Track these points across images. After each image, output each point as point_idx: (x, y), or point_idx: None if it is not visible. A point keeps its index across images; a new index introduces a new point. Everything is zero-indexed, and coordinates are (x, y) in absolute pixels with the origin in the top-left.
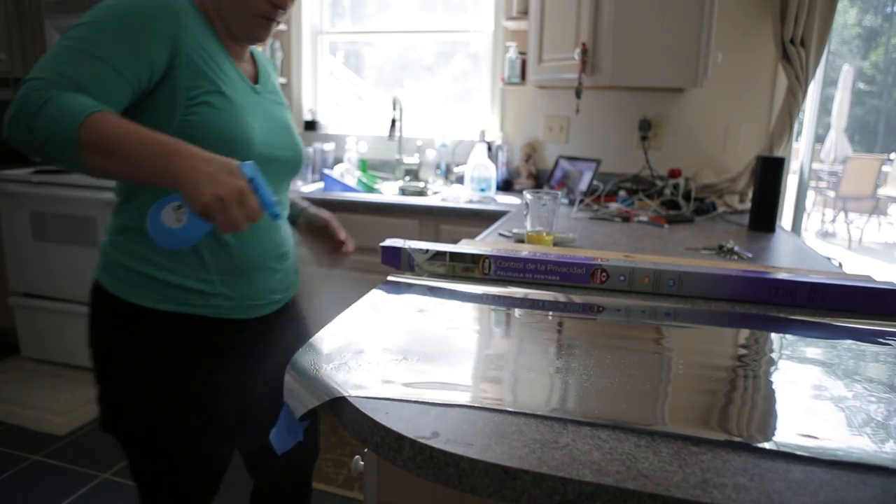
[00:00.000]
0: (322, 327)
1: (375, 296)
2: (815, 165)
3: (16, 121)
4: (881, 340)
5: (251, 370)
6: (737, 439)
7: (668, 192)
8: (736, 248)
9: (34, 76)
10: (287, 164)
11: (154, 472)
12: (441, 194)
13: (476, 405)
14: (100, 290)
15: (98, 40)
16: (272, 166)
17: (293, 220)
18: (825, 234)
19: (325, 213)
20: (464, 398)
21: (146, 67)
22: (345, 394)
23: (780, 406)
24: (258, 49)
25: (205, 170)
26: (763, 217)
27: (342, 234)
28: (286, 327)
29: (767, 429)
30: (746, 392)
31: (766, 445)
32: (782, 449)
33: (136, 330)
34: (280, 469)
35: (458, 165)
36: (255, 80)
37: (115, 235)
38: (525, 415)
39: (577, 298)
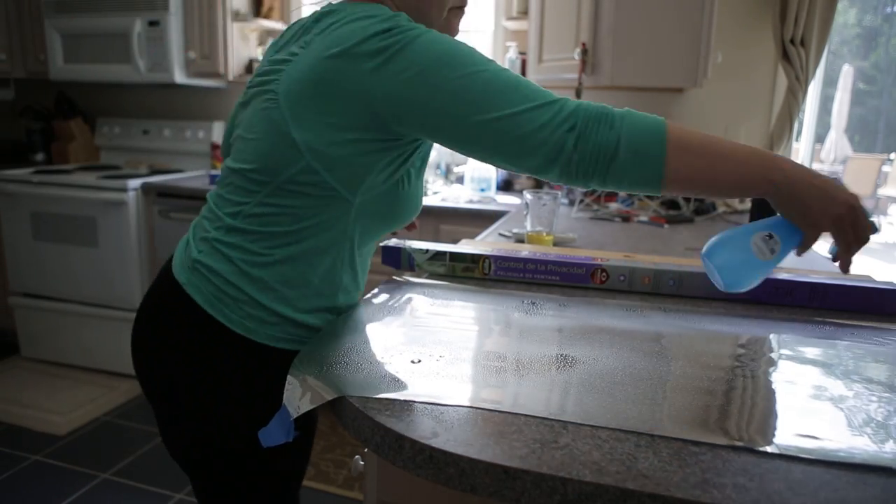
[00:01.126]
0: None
1: (376, 296)
2: (815, 165)
3: (595, 136)
4: (881, 340)
5: None
6: (737, 444)
7: None
8: None
9: (553, 99)
10: None
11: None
12: (441, 194)
13: (476, 405)
14: (208, 320)
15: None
16: None
17: None
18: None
19: None
20: (464, 398)
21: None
22: (345, 394)
23: (780, 406)
24: None
25: (822, 178)
26: (763, 217)
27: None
28: None
29: (767, 430)
30: (746, 392)
31: (767, 449)
32: (782, 451)
33: (261, 368)
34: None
35: (458, 165)
36: None
37: (260, 269)
38: (525, 415)
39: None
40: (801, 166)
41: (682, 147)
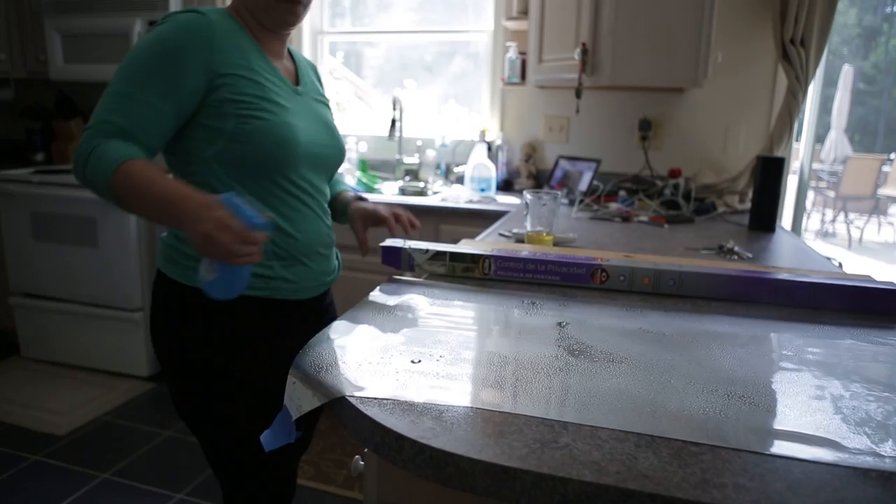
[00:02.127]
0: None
1: (376, 296)
2: (815, 165)
3: (75, 169)
4: (881, 340)
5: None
6: (735, 447)
7: (668, 192)
8: (736, 248)
9: (87, 126)
10: (330, 160)
11: (228, 454)
12: (441, 194)
13: (476, 406)
14: (163, 279)
15: (136, 82)
16: (317, 162)
17: (343, 209)
18: (825, 234)
19: (382, 210)
20: (464, 398)
21: (186, 96)
22: (345, 394)
23: (780, 406)
24: (299, 52)
25: (190, 214)
26: (763, 217)
27: (396, 231)
28: (330, 306)
29: (767, 431)
30: (746, 392)
31: (766, 451)
32: (782, 454)
33: (202, 313)
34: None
35: (458, 165)
36: (296, 79)
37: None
38: (525, 416)
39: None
40: (197, 216)
41: (121, 194)
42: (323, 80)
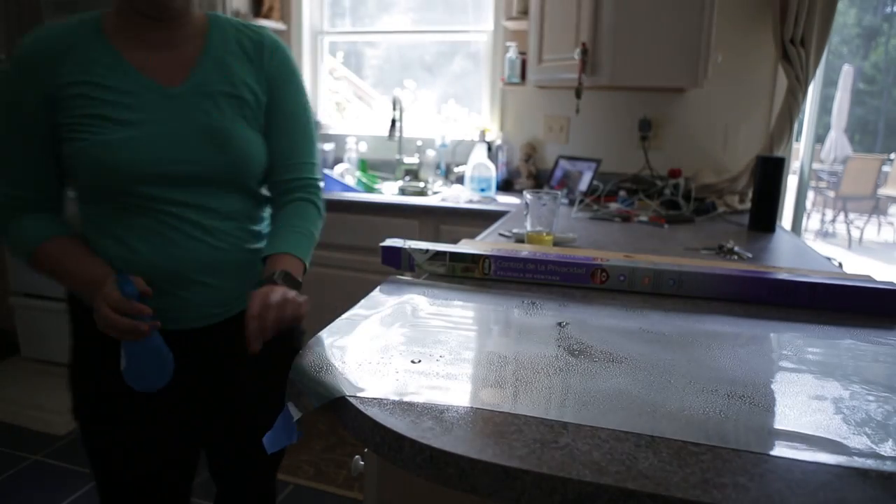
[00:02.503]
0: (323, 328)
1: (376, 296)
2: (815, 165)
3: None
4: (881, 340)
5: (224, 381)
6: (735, 447)
7: (668, 192)
8: (736, 248)
9: None
10: (196, 175)
11: (100, 472)
12: (441, 194)
13: (476, 405)
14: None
15: None
16: (173, 180)
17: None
18: (825, 234)
19: (253, 306)
20: (464, 398)
21: (35, 125)
22: (345, 394)
23: (780, 406)
24: (233, 23)
25: (89, 297)
26: (763, 217)
27: (249, 329)
28: (233, 340)
29: (767, 432)
30: (746, 393)
31: (766, 452)
32: (781, 455)
33: (80, 323)
34: (243, 471)
35: (458, 165)
36: (186, 72)
37: None
38: (525, 416)
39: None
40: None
41: (40, 271)
42: (268, 54)
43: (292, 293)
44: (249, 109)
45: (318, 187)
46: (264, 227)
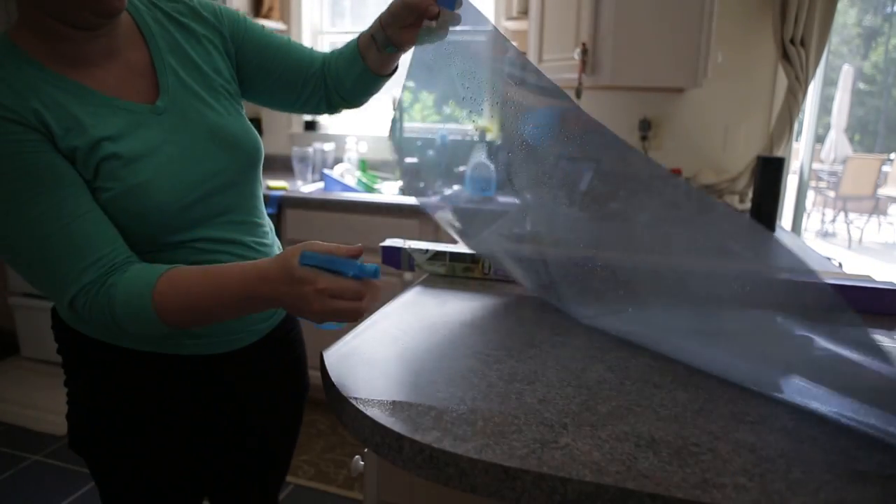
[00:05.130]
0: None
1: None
2: (815, 165)
3: (91, 321)
4: (881, 341)
5: (235, 408)
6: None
7: None
8: None
9: (64, 294)
10: (225, 186)
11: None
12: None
13: (475, 406)
14: (60, 322)
15: (13, 210)
16: (205, 203)
17: (372, 37)
18: (825, 234)
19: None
20: (463, 398)
21: (60, 165)
22: (345, 394)
23: (779, 406)
24: (151, 10)
25: (287, 299)
26: (763, 217)
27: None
28: (275, 355)
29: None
30: (745, 390)
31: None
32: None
33: (101, 363)
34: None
35: (457, 166)
36: (155, 77)
37: None
38: (525, 415)
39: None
40: (282, 293)
41: (177, 325)
42: (212, 18)
43: None
44: (227, 92)
45: None
46: (271, 233)
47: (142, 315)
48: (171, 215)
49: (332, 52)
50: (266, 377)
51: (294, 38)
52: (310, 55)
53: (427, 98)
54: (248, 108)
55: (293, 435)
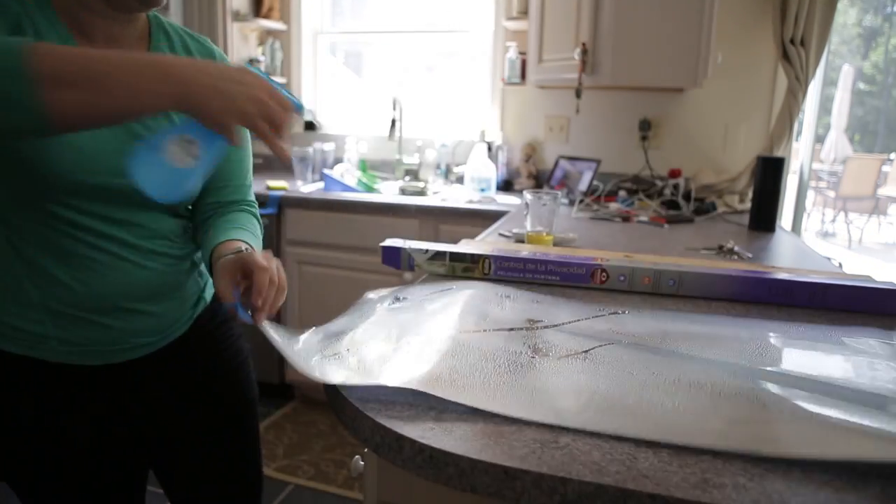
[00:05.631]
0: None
1: (374, 295)
2: (815, 165)
3: None
4: (881, 341)
5: (104, 423)
6: (736, 449)
7: (668, 192)
8: (736, 248)
9: None
10: (129, 194)
11: None
12: (441, 194)
13: (477, 406)
14: None
15: None
16: (109, 195)
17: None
18: (825, 234)
19: (259, 259)
20: (464, 398)
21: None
22: (345, 394)
23: (780, 408)
24: (174, 28)
25: (225, 76)
26: (763, 217)
27: (261, 295)
28: (171, 371)
29: (768, 435)
30: (745, 395)
31: (768, 454)
32: (784, 455)
33: None
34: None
35: (458, 165)
36: None
37: None
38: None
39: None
40: (204, 72)
41: (55, 82)
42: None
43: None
44: None
45: (256, 208)
46: (197, 255)
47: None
48: (54, 188)
49: (206, 225)
50: (161, 391)
51: (294, 38)
52: (226, 188)
53: None
54: None
55: (239, 444)
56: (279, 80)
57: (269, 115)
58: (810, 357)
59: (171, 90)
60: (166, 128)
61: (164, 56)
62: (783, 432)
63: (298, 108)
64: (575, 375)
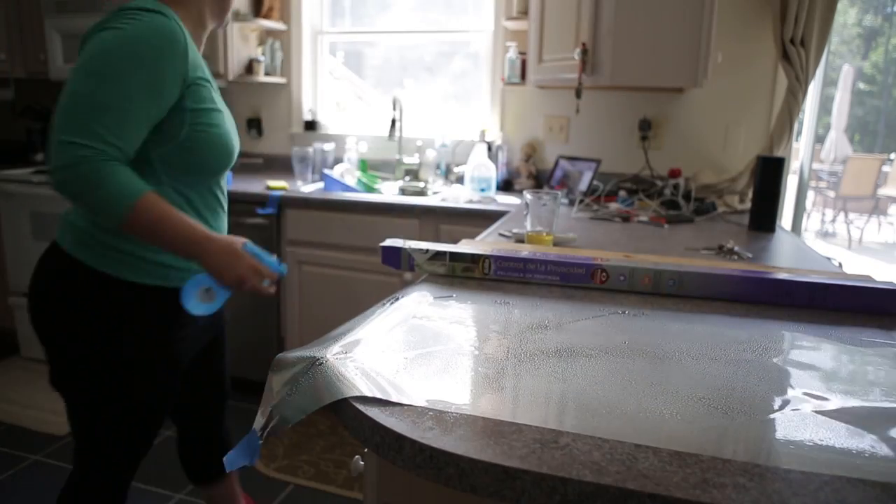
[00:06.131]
0: (323, 326)
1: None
2: (815, 165)
3: (67, 186)
4: (881, 341)
5: (207, 336)
6: (731, 458)
7: (668, 192)
8: (736, 248)
9: (75, 139)
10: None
11: (100, 430)
12: (441, 194)
13: (475, 409)
14: (68, 261)
15: (123, 94)
16: (223, 175)
17: None
18: (825, 234)
19: None
20: (464, 400)
21: (164, 108)
22: (345, 395)
23: (780, 410)
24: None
25: (220, 258)
26: (763, 217)
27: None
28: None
29: (767, 442)
30: (745, 397)
31: (766, 463)
32: (783, 466)
33: (117, 301)
34: (195, 416)
35: (458, 165)
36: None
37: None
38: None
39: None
40: (218, 251)
41: (133, 229)
42: None
43: None
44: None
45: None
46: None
47: (116, 204)
48: (231, 165)
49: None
50: (220, 319)
51: (294, 38)
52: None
53: None
54: (247, 108)
55: (223, 361)
56: (279, 80)
57: (254, 288)
58: (810, 357)
59: (196, 258)
60: (199, 279)
61: (201, 238)
62: (781, 447)
63: (279, 271)
64: (572, 379)
